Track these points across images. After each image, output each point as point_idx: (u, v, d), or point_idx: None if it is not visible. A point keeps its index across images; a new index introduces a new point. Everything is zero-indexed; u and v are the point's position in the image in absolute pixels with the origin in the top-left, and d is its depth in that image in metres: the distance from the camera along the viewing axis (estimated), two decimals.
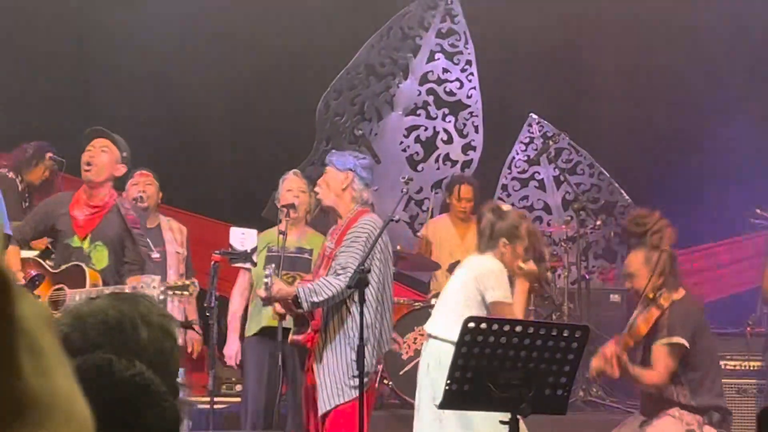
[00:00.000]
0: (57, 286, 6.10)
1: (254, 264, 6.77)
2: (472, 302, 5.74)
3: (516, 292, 5.85)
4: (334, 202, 6.21)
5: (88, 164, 6.27)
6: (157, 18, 9.96)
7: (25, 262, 6.26)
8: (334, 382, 5.90)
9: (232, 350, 7.30)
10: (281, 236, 6.72)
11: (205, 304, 6.41)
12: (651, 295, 6.04)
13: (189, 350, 7.74)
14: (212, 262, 6.48)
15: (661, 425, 5.91)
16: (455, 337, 4.84)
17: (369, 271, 5.65)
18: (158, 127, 9.71)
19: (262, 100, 10.21)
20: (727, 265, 10.06)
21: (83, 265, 6.10)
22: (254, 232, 6.81)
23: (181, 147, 9.90)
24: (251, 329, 7.19)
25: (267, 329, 6.99)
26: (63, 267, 6.15)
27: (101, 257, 6.21)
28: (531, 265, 5.87)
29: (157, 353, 2.07)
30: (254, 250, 6.65)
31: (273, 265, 6.27)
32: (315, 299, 5.83)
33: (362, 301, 5.62)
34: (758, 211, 8.11)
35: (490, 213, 6.00)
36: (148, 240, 6.42)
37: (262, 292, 6.06)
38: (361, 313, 5.63)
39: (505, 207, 6.21)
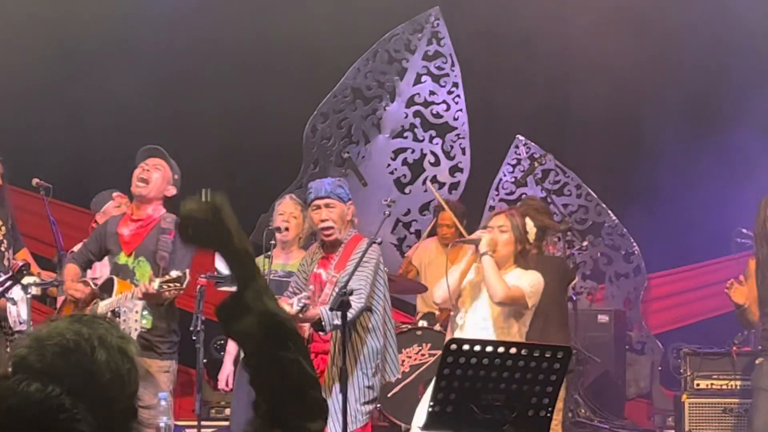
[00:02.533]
0: (95, 301, 6.32)
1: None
2: None
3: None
4: (342, 236, 6.16)
5: (143, 180, 6.43)
6: (150, 43, 10.03)
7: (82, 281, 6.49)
8: (348, 409, 5.86)
9: (223, 374, 7.30)
10: (266, 259, 6.72)
11: (191, 328, 6.39)
12: None
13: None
14: (198, 286, 6.47)
15: None
16: None
17: (351, 293, 5.64)
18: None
19: (250, 123, 10.24)
20: (714, 285, 10.08)
21: (114, 277, 6.31)
22: None
23: None
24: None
25: None
26: (101, 283, 6.36)
27: (144, 272, 6.34)
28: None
29: (115, 375, 2.09)
30: None
31: (311, 288, 6.20)
32: (336, 322, 5.80)
33: (344, 323, 5.61)
34: (744, 231, 8.13)
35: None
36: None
37: (292, 311, 5.93)
38: (344, 335, 5.63)
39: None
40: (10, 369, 2.08)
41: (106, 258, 6.77)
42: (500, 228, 6.10)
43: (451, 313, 6.32)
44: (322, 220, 6.09)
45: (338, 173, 10.08)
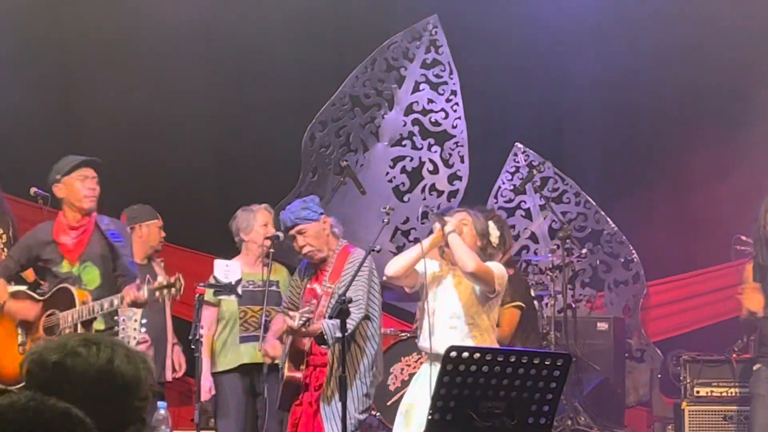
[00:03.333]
0: (48, 312, 6.22)
1: (239, 296, 6.76)
2: None
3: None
4: (325, 252, 6.27)
5: (92, 195, 6.41)
6: (147, 52, 10.03)
7: (14, 294, 6.37)
8: (347, 417, 5.87)
9: (206, 385, 7.32)
10: (265, 267, 6.76)
11: (190, 337, 6.37)
12: None
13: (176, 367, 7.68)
14: (197, 295, 6.46)
15: None
16: None
17: (350, 301, 5.67)
18: (143, 158, 9.74)
19: (248, 132, 10.24)
20: (713, 292, 10.08)
21: (69, 286, 6.22)
22: (238, 264, 6.82)
23: (166, 179, 9.91)
24: (227, 364, 7.24)
25: (243, 366, 7.11)
26: (50, 293, 6.27)
27: (93, 277, 6.34)
28: None
29: (133, 374, 2.12)
30: (239, 281, 6.65)
31: (314, 302, 6.26)
32: (338, 334, 5.83)
33: (344, 331, 5.62)
34: (743, 238, 8.12)
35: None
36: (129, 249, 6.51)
37: (294, 325, 5.98)
38: (343, 343, 5.64)
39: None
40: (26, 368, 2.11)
41: None
42: (462, 221, 6.12)
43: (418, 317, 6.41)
44: (301, 247, 6.23)
45: (336, 181, 10.09)
